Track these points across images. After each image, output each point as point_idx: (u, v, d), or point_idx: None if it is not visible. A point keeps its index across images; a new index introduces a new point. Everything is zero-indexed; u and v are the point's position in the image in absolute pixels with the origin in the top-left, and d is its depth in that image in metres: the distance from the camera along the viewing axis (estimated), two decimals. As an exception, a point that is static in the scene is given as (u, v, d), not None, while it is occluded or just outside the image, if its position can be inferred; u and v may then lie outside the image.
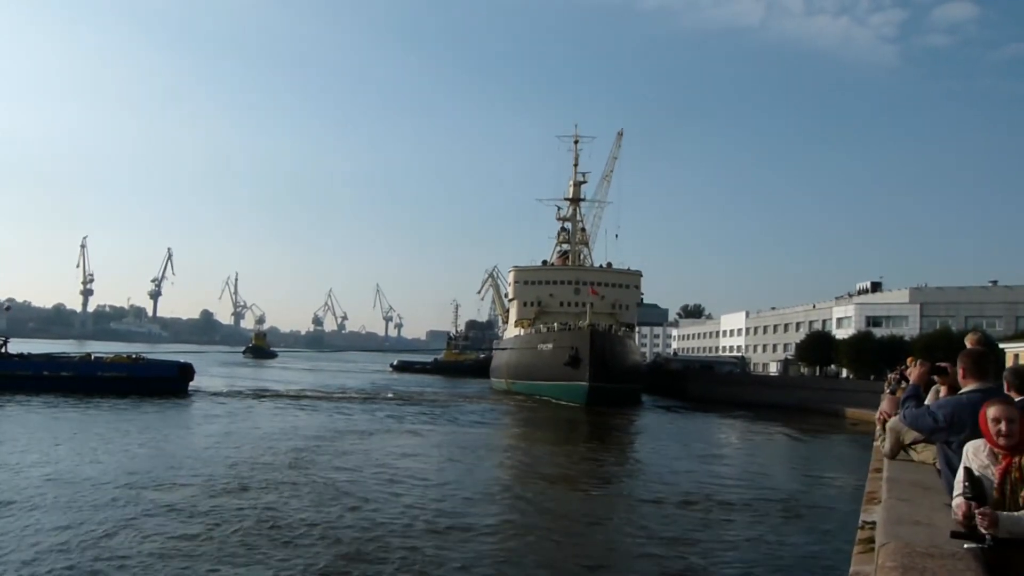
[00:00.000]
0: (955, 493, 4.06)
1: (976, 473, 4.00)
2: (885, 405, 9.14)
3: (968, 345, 8.46)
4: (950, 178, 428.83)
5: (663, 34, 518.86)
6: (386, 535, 17.90)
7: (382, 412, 51.51)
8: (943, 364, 7.12)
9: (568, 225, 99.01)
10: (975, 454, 4.29)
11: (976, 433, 4.53)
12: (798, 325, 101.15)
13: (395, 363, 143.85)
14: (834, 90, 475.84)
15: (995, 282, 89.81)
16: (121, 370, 57.33)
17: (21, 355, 58.52)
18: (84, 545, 16.19)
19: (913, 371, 6.97)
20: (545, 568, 16.51)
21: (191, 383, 59.50)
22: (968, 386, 5.34)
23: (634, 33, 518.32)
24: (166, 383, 56.65)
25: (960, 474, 4.09)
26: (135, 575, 14.61)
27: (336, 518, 19.35)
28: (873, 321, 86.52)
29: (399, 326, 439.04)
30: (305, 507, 20.54)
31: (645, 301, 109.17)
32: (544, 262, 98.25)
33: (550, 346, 72.49)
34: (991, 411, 4.29)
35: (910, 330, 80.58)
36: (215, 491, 22.22)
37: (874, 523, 5.00)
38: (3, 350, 57.45)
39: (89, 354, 64.73)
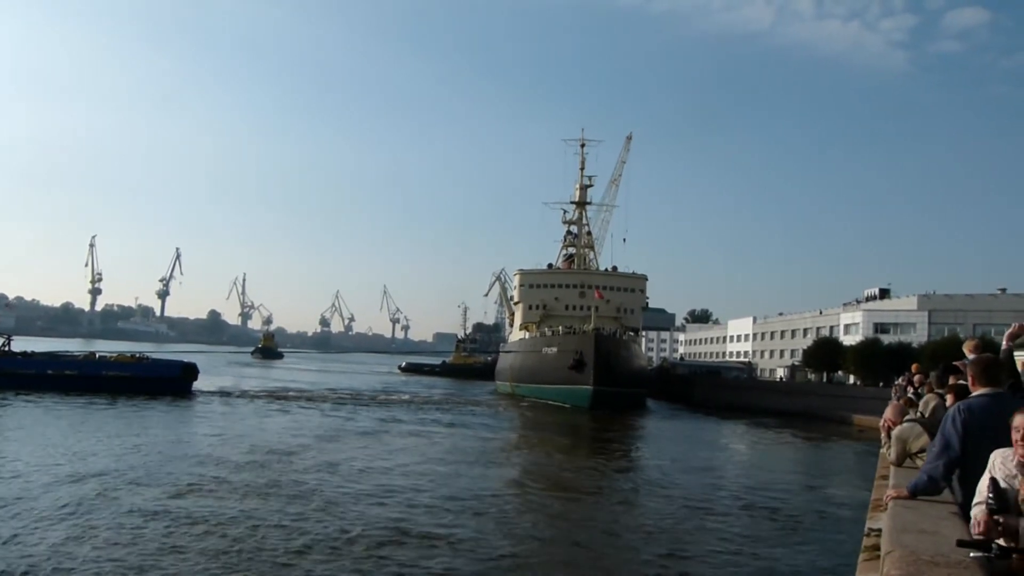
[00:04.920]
0: (975, 501, 3.91)
1: (1002, 484, 3.82)
2: (889, 412, 9.02)
3: (966, 352, 8.34)
4: (959, 185, 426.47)
5: (673, 38, 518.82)
6: (382, 542, 17.79)
7: (388, 414, 51.48)
8: (957, 363, 6.98)
9: (574, 228, 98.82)
10: (1003, 462, 4.07)
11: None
12: (805, 331, 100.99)
13: (403, 365, 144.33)
14: (843, 95, 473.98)
15: (1004, 290, 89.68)
16: (124, 369, 57.41)
17: (24, 353, 58.67)
18: (48, 545, 16.17)
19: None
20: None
21: (195, 383, 59.56)
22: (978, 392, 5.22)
23: (644, 37, 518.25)
24: (169, 383, 56.61)
25: (984, 483, 3.91)
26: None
27: (328, 523, 19.12)
28: (881, 328, 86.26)
29: (406, 328, 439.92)
30: (291, 512, 20.17)
31: (652, 306, 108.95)
32: (549, 265, 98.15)
33: (555, 350, 72.45)
34: (1016, 419, 4.08)
35: (918, 337, 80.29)
36: (202, 493, 22.01)
37: (880, 531, 4.89)
38: (6, 348, 57.66)
39: (93, 353, 64.95)
